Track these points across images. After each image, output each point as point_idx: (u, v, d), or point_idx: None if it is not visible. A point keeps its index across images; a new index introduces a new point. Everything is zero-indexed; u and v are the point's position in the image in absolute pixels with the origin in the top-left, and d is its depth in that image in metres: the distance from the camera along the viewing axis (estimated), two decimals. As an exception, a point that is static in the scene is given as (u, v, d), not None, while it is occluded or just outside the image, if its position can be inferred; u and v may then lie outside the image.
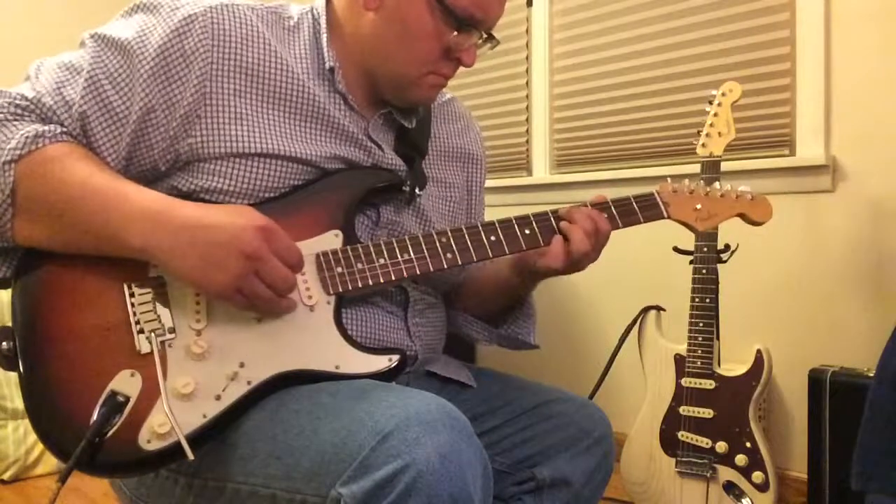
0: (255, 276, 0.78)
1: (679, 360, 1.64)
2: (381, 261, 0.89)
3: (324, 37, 0.95)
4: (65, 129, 0.83)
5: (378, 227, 0.97)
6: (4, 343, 0.79)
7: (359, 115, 0.97)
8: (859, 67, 1.71)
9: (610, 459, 1.05)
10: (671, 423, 1.64)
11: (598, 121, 2.19)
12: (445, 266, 0.91)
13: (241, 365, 0.81)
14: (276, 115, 0.90)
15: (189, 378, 0.79)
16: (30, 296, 0.81)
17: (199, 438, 0.78)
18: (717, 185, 1.04)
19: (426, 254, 0.90)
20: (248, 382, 0.81)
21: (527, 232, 0.94)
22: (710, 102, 1.62)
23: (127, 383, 0.78)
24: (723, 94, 1.61)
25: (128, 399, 0.77)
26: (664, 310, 1.75)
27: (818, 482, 1.55)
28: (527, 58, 2.36)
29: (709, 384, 1.60)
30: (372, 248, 0.89)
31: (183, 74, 0.85)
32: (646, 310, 1.75)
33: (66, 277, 0.82)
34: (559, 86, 2.29)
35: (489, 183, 1.25)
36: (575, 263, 0.95)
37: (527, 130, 2.37)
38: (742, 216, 1.04)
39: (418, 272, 0.90)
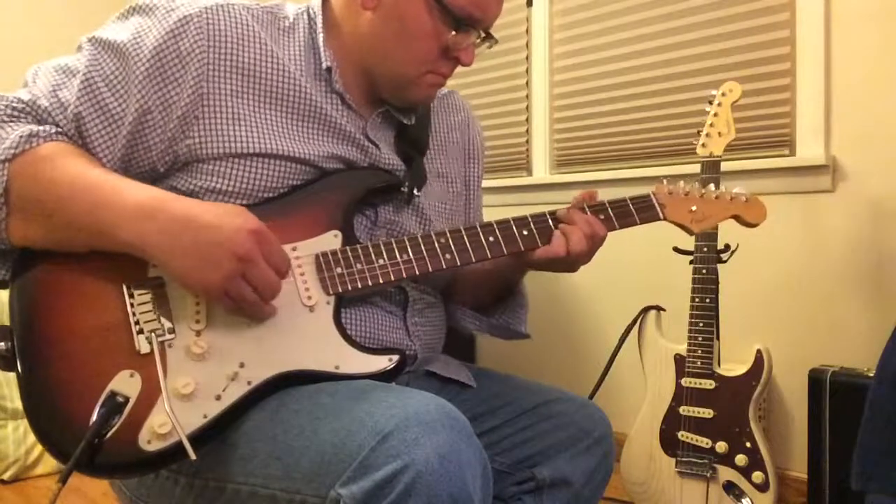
0: (243, 279, 0.78)
1: (679, 360, 1.64)
2: (381, 261, 0.89)
3: (320, 36, 0.95)
4: (59, 130, 0.83)
5: (377, 226, 0.97)
6: (3, 343, 0.79)
7: (357, 115, 0.98)
8: (859, 67, 1.71)
9: (610, 459, 1.05)
10: (671, 423, 1.64)
11: (598, 121, 2.19)
12: (444, 267, 0.91)
13: (242, 365, 0.81)
14: (274, 114, 0.90)
15: (189, 378, 0.79)
16: (28, 296, 0.81)
17: (199, 439, 0.78)
18: (711, 186, 1.05)
19: (425, 254, 0.90)
20: (249, 382, 0.81)
21: (525, 233, 0.94)
22: (710, 102, 1.61)
23: (126, 384, 0.78)
24: (723, 94, 1.61)
25: (127, 399, 0.77)
26: (664, 310, 1.75)
27: (818, 482, 1.55)
28: (527, 58, 2.36)
29: (709, 384, 1.60)
30: (371, 249, 0.89)
31: (179, 75, 0.85)
32: (646, 310, 1.75)
33: (64, 278, 0.82)
34: (559, 86, 2.28)
35: (489, 183, 1.25)
36: (570, 263, 0.95)
37: (527, 130, 2.37)
38: (736, 218, 1.04)
39: (417, 273, 0.90)
